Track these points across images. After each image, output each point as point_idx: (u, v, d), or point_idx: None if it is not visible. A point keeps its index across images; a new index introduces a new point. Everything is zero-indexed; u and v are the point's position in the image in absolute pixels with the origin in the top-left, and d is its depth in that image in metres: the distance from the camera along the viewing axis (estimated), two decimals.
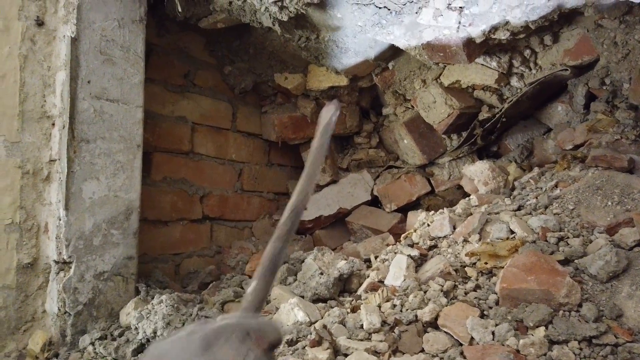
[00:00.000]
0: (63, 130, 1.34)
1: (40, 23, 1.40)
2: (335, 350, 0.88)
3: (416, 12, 1.42)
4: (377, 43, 1.70)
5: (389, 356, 0.83)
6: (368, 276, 1.27)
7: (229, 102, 2.10)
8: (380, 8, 1.40)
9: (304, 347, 0.92)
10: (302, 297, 1.41)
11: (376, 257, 1.46)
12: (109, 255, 1.40)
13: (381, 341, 0.91)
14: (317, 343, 0.89)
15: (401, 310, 1.02)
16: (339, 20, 1.51)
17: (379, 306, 1.06)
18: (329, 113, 0.71)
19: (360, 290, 1.28)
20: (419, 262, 1.23)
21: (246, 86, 2.06)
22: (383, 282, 1.24)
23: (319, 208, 2.17)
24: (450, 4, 1.32)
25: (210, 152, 2.02)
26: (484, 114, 1.85)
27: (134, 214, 1.47)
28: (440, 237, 1.30)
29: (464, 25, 1.40)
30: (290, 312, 1.20)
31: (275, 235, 0.63)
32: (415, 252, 1.22)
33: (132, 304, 1.36)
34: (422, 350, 0.87)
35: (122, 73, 1.45)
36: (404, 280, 1.15)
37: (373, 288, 1.24)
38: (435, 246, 1.28)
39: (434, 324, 0.93)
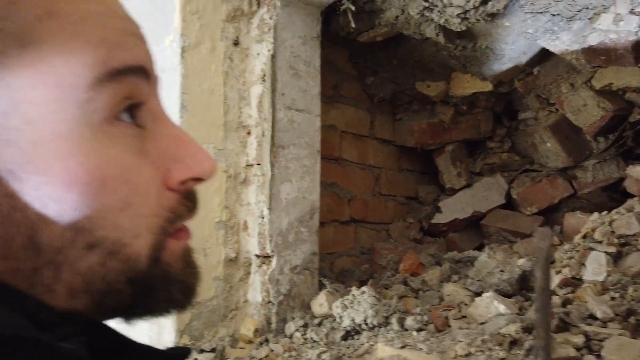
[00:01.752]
0: (263, 138, 1.49)
1: (236, 43, 1.57)
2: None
3: (589, 18, 1.47)
4: (530, 48, 1.75)
5: None
6: (559, 272, 1.32)
7: (367, 110, 2.22)
8: (554, 15, 1.46)
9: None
10: (478, 293, 1.48)
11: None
12: (300, 251, 1.53)
13: (621, 329, 0.96)
14: (561, 329, 0.96)
15: (622, 302, 1.07)
16: (505, 28, 1.59)
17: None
18: (545, 241, 0.77)
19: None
20: (614, 258, 1.27)
21: (385, 95, 2.17)
22: (576, 278, 1.29)
23: (454, 211, 2.23)
24: (633, 9, 1.36)
25: (354, 158, 2.14)
26: (635, 116, 1.85)
27: (316, 213, 1.60)
28: (629, 235, 1.33)
29: None
30: (489, 305, 1.27)
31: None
32: (612, 249, 1.26)
33: (323, 296, 1.48)
34: None
35: (305, 85, 1.60)
36: (608, 275, 1.19)
37: (566, 284, 1.29)
38: (626, 244, 1.31)
39: None
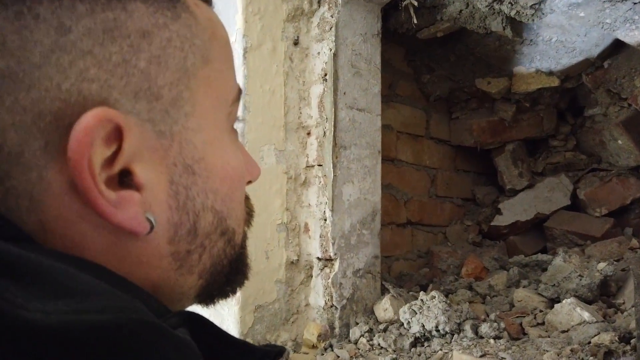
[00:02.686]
0: (324, 138, 1.46)
1: (296, 42, 1.55)
2: None
3: None
4: (603, 40, 1.65)
5: None
6: None
7: (422, 109, 2.16)
8: (635, 3, 1.37)
9: None
10: (553, 299, 1.40)
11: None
12: (362, 254, 1.50)
13: None
14: None
15: None
16: (579, 19, 1.50)
17: None
18: None
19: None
20: None
21: (442, 93, 2.10)
22: None
23: (515, 213, 2.13)
24: None
25: (409, 159, 2.08)
26: None
27: (378, 215, 1.56)
28: None
29: None
30: (572, 312, 1.19)
31: None
32: None
33: (387, 300, 1.43)
34: None
35: (366, 84, 1.56)
36: None
37: None
38: None
39: None
